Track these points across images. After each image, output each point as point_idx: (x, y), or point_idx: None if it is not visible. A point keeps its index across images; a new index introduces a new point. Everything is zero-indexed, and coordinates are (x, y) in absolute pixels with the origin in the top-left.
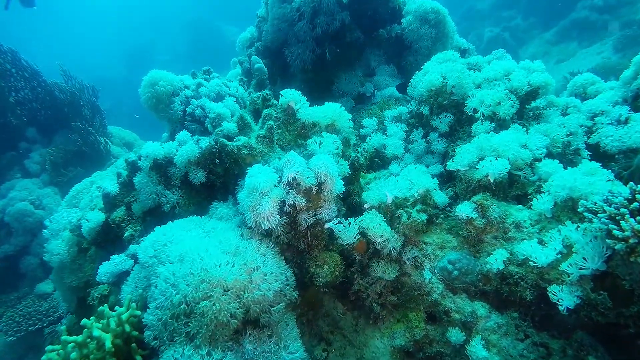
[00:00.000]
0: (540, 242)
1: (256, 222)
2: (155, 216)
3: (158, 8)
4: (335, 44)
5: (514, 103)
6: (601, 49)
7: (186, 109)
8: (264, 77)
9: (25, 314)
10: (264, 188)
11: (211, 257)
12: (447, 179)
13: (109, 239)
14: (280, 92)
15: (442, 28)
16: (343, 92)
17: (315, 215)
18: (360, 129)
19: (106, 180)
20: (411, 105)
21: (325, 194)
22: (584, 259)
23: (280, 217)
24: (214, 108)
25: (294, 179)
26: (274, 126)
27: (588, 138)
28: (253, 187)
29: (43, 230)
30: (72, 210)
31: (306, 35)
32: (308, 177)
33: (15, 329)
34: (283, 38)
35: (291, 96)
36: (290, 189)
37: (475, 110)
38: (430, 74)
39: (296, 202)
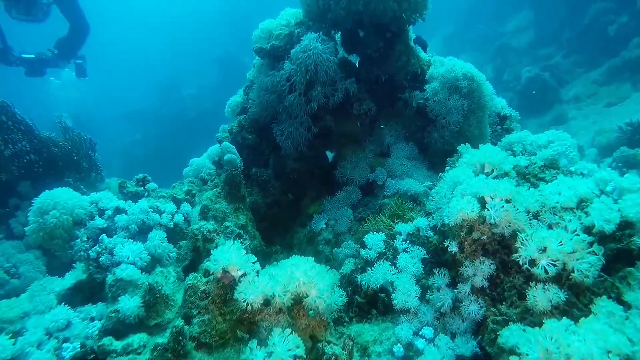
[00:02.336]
0: None
1: None
2: None
3: (188, 44)
4: (338, 116)
5: (598, 256)
6: None
7: (90, 251)
8: (236, 173)
9: None
10: None
11: None
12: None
13: None
14: (210, 260)
15: (478, 98)
16: (348, 178)
17: None
18: (362, 250)
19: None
20: (434, 219)
21: None
22: None
23: None
24: (122, 262)
25: None
26: (201, 306)
27: None
28: None
29: None
30: None
31: (299, 110)
32: None
33: None
34: (272, 111)
35: (228, 260)
36: None
37: (532, 263)
38: (461, 200)
39: None
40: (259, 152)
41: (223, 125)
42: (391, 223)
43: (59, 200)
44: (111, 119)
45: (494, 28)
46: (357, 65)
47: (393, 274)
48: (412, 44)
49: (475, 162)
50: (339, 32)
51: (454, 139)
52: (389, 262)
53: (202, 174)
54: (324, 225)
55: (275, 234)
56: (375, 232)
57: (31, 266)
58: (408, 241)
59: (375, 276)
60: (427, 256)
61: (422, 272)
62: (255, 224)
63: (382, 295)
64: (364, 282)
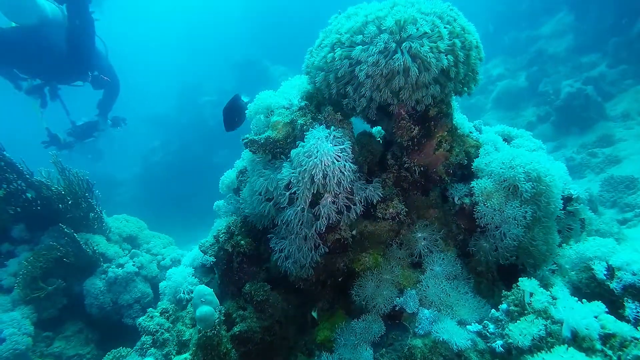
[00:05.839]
0: None
1: None
2: None
3: (207, 50)
4: (356, 220)
5: None
6: None
7: None
8: (213, 334)
9: None
10: None
11: None
12: None
13: None
14: None
15: (546, 204)
16: (367, 302)
17: None
18: None
19: None
20: None
21: None
22: None
23: None
24: None
25: None
26: None
27: None
28: None
29: None
30: None
31: (303, 227)
32: None
33: None
34: (268, 220)
35: None
36: None
37: None
38: None
39: None
40: (256, 257)
41: (217, 203)
42: None
43: None
44: (130, 125)
45: (527, 32)
46: (380, 141)
47: None
48: (455, 122)
49: None
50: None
51: (510, 252)
52: None
53: (181, 293)
54: None
55: (274, 356)
56: None
57: (16, 328)
58: None
59: None
60: None
61: None
62: None
63: None
64: None
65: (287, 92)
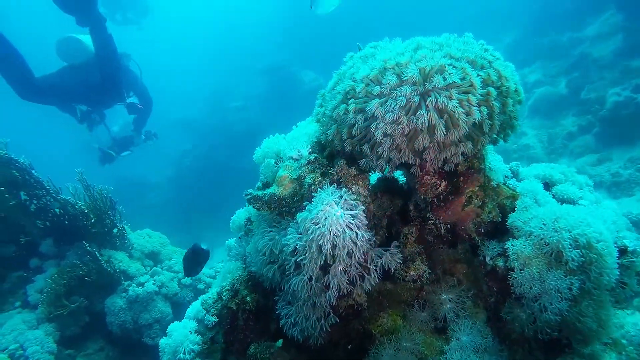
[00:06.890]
0: None
1: None
2: None
3: (239, 54)
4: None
5: None
6: None
7: None
8: None
9: None
10: None
11: None
12: None
13: None
14: None
15: (598, 275)
16: None
17: None
18: None
19: None
20: None
21: None
22: None
23: None
24: None
25: None
26: None
27: None
28: None
29: None
30: None
31: (312, 296)
32: None
33: None
34: (277, 282)
35: None
36: None
37: None
38: None
39: None
40: (264, 311)
41: (229, 242)
42: None
43: None
44: (163, 128)
45: (569, 34)
46: (402, 185)
47: None
48: (488, 171)
49: None
50: None
51: (552, 327)
52: None
53: (181, 354)
54: None
55: None
56: None
57: (39, 346)
58: None
59: None
60: None
61: None
62: None
63: None
64: None
65: (297, 140)
